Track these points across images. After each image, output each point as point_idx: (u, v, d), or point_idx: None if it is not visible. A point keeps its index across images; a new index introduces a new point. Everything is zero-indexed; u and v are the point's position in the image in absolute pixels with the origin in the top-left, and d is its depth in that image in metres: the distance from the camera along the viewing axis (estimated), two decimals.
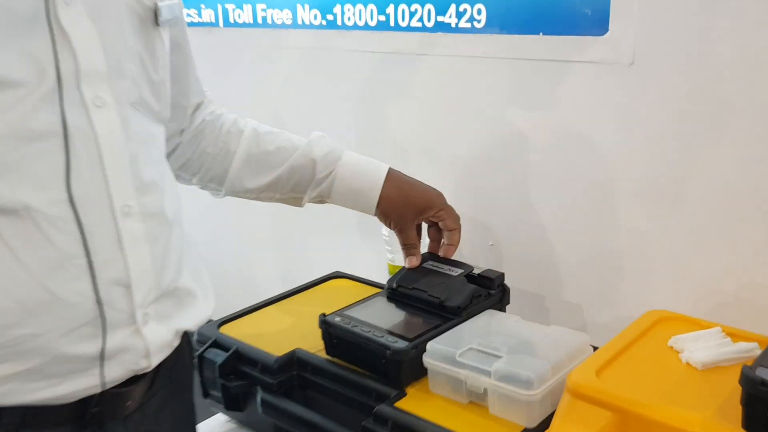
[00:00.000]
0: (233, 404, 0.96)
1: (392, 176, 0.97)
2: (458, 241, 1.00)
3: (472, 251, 1.20)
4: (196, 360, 0.97)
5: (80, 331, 0.64)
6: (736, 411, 0.62)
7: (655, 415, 0.63)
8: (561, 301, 1.13)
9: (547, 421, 0.76)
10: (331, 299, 1.12)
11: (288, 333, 1.00)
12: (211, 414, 1.07)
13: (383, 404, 0.81)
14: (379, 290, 1.13)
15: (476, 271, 0.97)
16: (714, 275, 0.97)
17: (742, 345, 0.73)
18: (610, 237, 1.06)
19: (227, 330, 1.02)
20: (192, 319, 0.77)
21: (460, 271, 0.96)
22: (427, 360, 0.83)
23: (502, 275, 0.97)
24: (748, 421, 0.58)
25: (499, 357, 0.79)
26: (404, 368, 0.84)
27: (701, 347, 0.73)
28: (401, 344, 0.84)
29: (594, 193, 1.06)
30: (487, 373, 0.77)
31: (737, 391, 0.66)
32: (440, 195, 0.99)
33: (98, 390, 0.67)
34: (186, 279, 0.77)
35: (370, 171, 0.97)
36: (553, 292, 1.14)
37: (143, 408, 0.73)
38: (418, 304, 0.94)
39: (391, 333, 0.87)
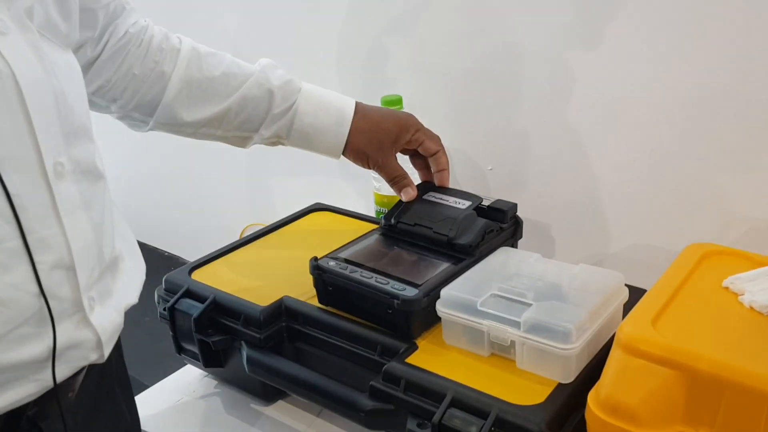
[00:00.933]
0: (212, 361, 0.85)
1: (360, 108, 0.83)
2: (447, 164, 0.87)
3: (470, 176, 1.08)
4: (166, 312, 0.84)
5: (18, 332, 0.50)
6: None
7: (729, 374, 0.54)
8: (570, 230, 1.03)
9: (583, 375, 0.67)
10: (315, 236, 1.00)
11: (270, 277, 0.88)
12: (181, 365, 0.95)
13: (393, 361, 0.71)
14: (367, 224, 1.02)
15: (486, 203, 0.85)
16: (745, 199, 0.87)
17: None
18: (628, 159, 0.94)
19: (200, 276, 0.89)
20: (132, 289, 0.64)
21: (467, 203, 0.84)
22: (442, 310, 0.72)
23: (514, 206, 0.85)
24: None
25: (528, 304, 0.69)
26: (415, 319, 0.73)
27: (763, 288, 0.63)
28: (410, 292, 0.72)
29: (609, 111, 0.94)
30: (515, 324, 0.67)
31: None
32: (411, 116, 0.86)
33: (40, 394, 0.54)
34: (116, 243, 0.63)
35: (336, 104, 0.82)
36: (561, 221, 1.03)
37: (80, 393, 0.61)
38: (422, 243, 0.83)
39: (396, 278, 0.75)
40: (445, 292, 0.72)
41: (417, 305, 0.72)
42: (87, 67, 0.73)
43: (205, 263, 0.92)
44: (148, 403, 0.87)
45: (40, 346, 0.52)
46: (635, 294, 0.77)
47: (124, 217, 0.68)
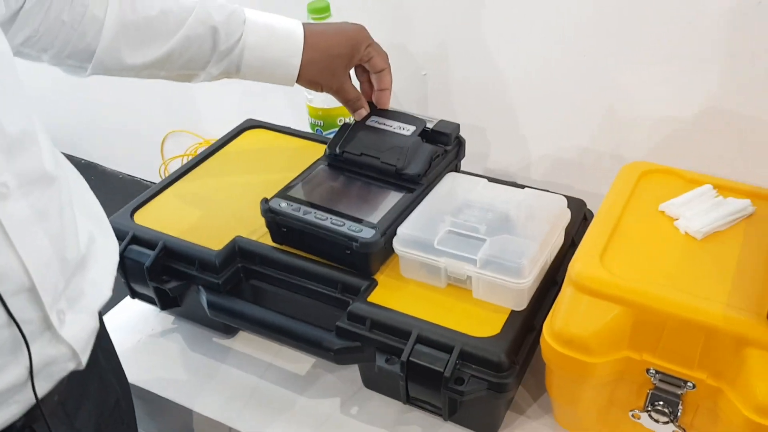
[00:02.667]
0: (169, 303, 0.85)
1: (309, 33, 0.79)
2: (391, 84, 0.86)
3: (404, 82, 1.07)
4: None
5: None
6: (750, 290, 0.60)
7: (670, 308, 0.59)
8: (504, 133, 1.05)
9: (533, 300, 0.72)
10: (254, 158, 0.98)
11: (218, 214, 0.87)
12: None
13: (356, 301, 0.73)
14: (305, 141, 1.01)
15: (429, 125, 0.85)
16: (669, 100, 0.91)
17: (735, 204, 0.70)
18: (558, 61, 0.95)
19: (144, 219, 0.87)
20: (105, 281, 0.61)
21: (412, 128, 0.84)
22: (400, 248, 0.74)
23: (457, 127, 0.86)
24: None
25: (481, 240, 0.72)
26: (373, 259, 0.75)
27: (696, 213, 0.69)
28: (368, 233, 0.74)
29: (541, 14, 0.93)
30: (472, 261, 0.70)
31: (743, 264, 0.64)
32: (362, 29, 0.83)
33: (25, 412, 0.54)
34: (82, 227, 0.59)
35: (285, 32, 0.78)
36: (496, 124, 1.05)
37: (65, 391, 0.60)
38: (370, 173, 0.83)
39: (351, 218, 0.76)
40: (401, 231, 0.74)
41: (375, 246, 0.73)
42: (11, 19, 0.66)
43: (145, 202, 0.89)
44: None
45: (15, 372, 0.51)
46: (572, 204, 0.81)
47: (86, 186, 0.65)
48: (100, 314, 0.65)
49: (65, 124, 1.60)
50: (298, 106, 1.11)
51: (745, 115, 0.87)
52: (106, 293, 0.61)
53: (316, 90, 0.83)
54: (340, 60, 0.81)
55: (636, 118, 0.94)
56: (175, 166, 1.39)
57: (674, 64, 0.88)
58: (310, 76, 0.80)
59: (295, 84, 0.82)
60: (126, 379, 0.75)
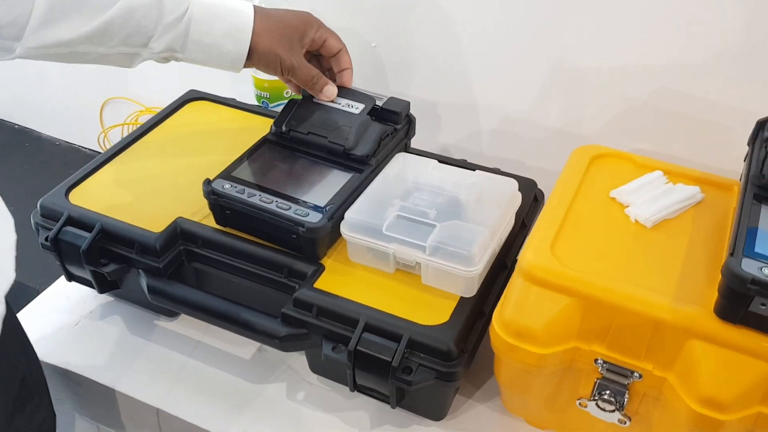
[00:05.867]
0: (107, 287, 0.82)
1: (259, 9, 0.75)
2: (351, 63, 0.84)
3: (353, 55, 1.03)
4: (49, 243, 0.78)
5: None
6: (696, 282, 0.60)
7: (619, 300, 0.59)
8: (456, 107, 1.03)
9: (482, 286, 0.71)
10: (197, 134, 0.94)
11: (158, 194, 0.83)
12: None
13: (303, 287, 0.71)
14: (250, 115, 0.97)
15: (379, 102, 0.83)
16: (622, 81, 0.90)
17: (684, 191, 0.69)
18: (510, 34, 0.93)
19: (80, 199, 0.82)
20: (6, 263, 0.57)
21: (361, 106, 0.81)
22: (347, 233, 0.72)
23: (407, 105, 0.83)
24: (723, 310, 0.56)
25: (431, 225, 0.70)
26: (320, 243, 0.73)
27: (645, 200, 0.68)
28: (314, 217, 0.71)
29: None
30: (421, 248, 0.69)
31: (691, 254, 0.63)
32: (309, 13, 0.80)
33: None
34: None
35: (234, 5, 0.73)
36: (446, 97, 1.03)
37: None
38: (316, 152, 0.80)
39: (297, 201, 0.73)
40: (349, 215, 0.72)
41: (322, 231, 0.71)
42: None
43: (81, 180, 0.85)
44: (45, 331, 0.85)
45: None
46: (522, 184, 0.80)
47: None
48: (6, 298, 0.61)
49: None
50: (242, 74, 1.06)
51: (696, 97, 0.86)
52: (10, 276, 0.57)
53: (273, 68, 0.77)
54: (294, 31, 0.77)
55: (588, 95, 0.93)
56: (115, 134, 1.33)
57: (630, 40, 0.87)
58: (266, 47, 0.74)
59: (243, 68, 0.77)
60: (35, 353, 0.72)
